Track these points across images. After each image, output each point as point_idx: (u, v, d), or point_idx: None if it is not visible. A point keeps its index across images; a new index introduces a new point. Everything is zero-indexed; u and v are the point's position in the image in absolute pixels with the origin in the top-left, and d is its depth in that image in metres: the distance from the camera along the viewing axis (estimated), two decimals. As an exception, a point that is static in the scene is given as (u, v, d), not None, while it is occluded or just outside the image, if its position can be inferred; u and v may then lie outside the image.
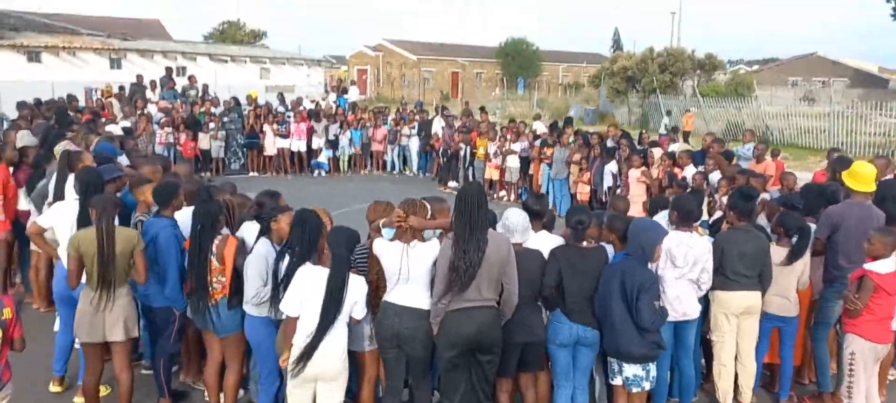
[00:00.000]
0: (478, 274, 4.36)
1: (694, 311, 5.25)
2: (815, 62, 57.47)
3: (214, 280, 4.95)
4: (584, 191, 12.52)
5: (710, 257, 5.32)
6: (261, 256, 4.79)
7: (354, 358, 4.87)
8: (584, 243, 4.95)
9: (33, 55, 24.53)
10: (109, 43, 26.15)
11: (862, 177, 5.86)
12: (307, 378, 4.24)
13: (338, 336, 4.27)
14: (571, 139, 13.41)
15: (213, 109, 17.56)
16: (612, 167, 11.98)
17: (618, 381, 4.86)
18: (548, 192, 13.69)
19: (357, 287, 4.33)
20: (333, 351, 4.26)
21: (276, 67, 30.11)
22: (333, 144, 17.86)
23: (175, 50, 27.64)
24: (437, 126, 17.58)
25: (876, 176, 6.03)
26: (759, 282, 5.49)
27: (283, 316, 4.39)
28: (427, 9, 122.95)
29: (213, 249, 4.94)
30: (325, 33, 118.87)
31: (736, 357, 5.61)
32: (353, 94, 21.59)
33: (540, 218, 5.21)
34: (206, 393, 5.50)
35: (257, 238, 4.96)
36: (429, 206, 4.69)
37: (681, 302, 5.17)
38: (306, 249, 4.37)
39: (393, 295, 4.56)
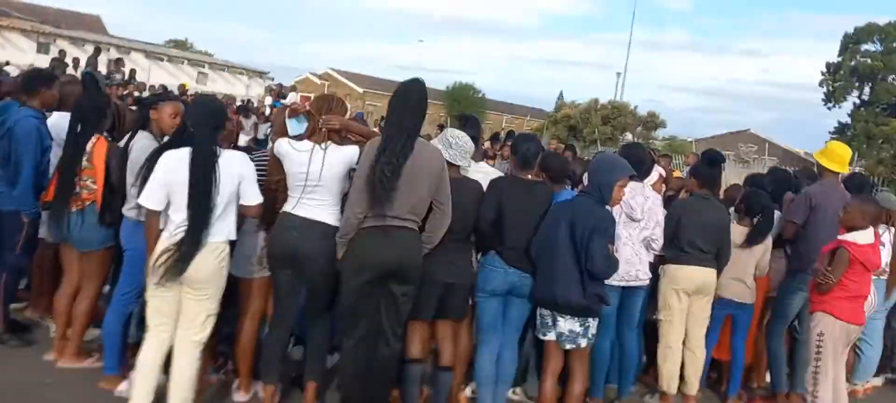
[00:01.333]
0: (402, 185, 3.61)
1: (645, 275, 4.59)
2: (748, 138, 59.23)
3: (81, 184, 4.07)
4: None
5: (662, 216, 4.70)
6: (138, 150, 3.95)
7: (237, 287, 4.02)
8: (529, 176, 4.26)
9: (-51, 30, 22.93)
10: (40, 27, 24.67)
11: (836, 156, 5.32)
12: (171, 280, 3.37)
13: (214, 231, 3.42)
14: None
15: (136, 94, 16.40)
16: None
17: (550, 336, 4.10)
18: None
19: (236, 163, 3.53)
20: (206, 252, 3.40)
21: (215, 73, 28.96)
22: (262, 144, 16.86)
23: (109, 42, 26.26)
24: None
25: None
26: (715, 260, 4.89)
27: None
28: (377, 46, 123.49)
29: (87, 148, 4.09)
30: (271, 63, 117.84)
31: (683, 343, 4.96)
32: (292, 100, 20.71)
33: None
34: (51, 328, 4.51)
35: (135, 130, 4.13)
36: (349, 106, 3.95)
37: (632, 265, 4.49)
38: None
39: (294, 205, 3.75)
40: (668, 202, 5.25)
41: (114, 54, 25.19)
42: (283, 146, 3.79)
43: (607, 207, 4.01)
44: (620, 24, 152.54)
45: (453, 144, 4.00)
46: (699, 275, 4.81)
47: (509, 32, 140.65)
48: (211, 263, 3.44)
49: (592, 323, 4.02)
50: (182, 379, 3.49)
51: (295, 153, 3.72)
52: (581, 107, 34.51)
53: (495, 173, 4.41)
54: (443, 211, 3.78)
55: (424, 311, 4.00)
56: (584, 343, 4.01)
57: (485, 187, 4.12)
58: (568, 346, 4.01)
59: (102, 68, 18.23)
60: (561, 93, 76.71)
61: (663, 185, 6.60)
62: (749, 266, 5.05)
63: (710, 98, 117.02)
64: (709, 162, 4.98)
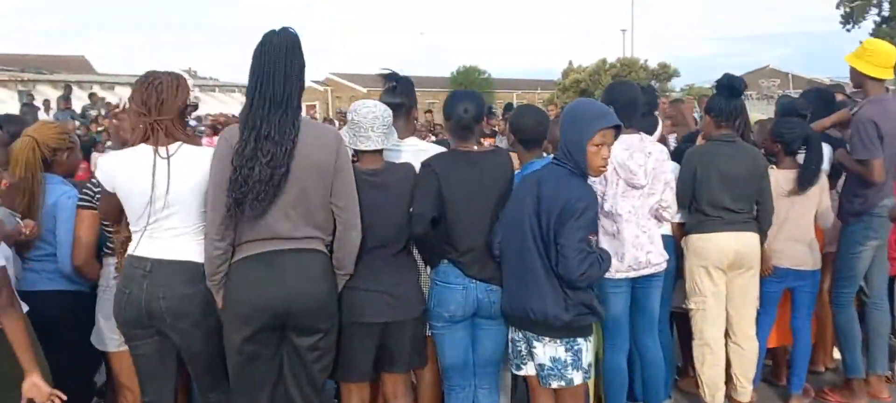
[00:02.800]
0: (283, 189, 2.47)
1: (660, 258, 3.36)
2: (769, 75, 57.19)
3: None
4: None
5: (672, 172, 3.51)
6: None
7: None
8: (476, 147, 3.08)
9: (-77, 93, 22.23)
10: (18, 76, 23.87)
11: (881, 56, 3.91)
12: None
13: None
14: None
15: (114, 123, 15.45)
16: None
17: (528, 371, 2.92)
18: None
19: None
20: None
21: (205, 95, 27.96)
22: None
23: (92, 80, 25.45)
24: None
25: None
26: (754, 221, 3.69)
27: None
28: (375, 43, 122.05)
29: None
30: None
31: (726, 334, 3.76)
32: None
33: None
34: None
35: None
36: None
37: (639, 248, 3.29)
38: None
39: (138, 244, 2.62)
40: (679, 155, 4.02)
41: (98, 91, 24.38)
42: (104, 162, 2.66)
43: (588, 180, 2.80)
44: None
45: (357, 120, 2.84)
46: (733, 244, 3.62)
47: (513, 9, 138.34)
48: None
49: (584, 346, 2.78)
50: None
51: (125, 167, 2.60)
52: (589, 68, 32.99)
53: (435, 149, 3.23)
54: (345, 220, 2.63)
55: (357, 368, 2.84)
56: (576, 377, 2.77)
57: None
58: (554, 384, 2.80)
59: (79, 106, 17.33)
60: (570, 62, 75.20)
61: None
62: (806, 219, 3.84)
63: (723, 43, 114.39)
64: (728, 90, 3.72)
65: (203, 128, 15.80)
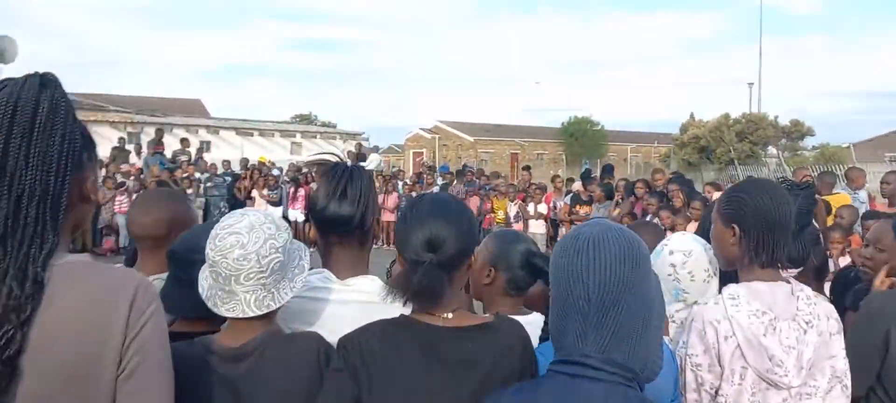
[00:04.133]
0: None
1: None
2: (917, 136, 51.97)
3: None
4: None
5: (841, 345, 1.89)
6: None
7: None
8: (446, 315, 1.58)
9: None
10: (130, 118, 24.50)
11: None
12: None
13: None
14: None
15: (197, 174, 14.98)
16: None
17: None
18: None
19: None
20: None
21: (308, 141, 27.85)
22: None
23: (198, 124, 25.81)
24: (456, 189, 14.48)
25: None
26: None
27: None
28: (484, 92, 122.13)
29: None
30: (393, 125, 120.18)
31: None
32: (374, 162, 18.80)
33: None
34: None
35: None
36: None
37: None
38: None
39: None
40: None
41: (204, 135, 24.67)
42: None
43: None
44: (747, 37, 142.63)
45: (212, 258, 1.52)
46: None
47: (628, 63, 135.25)
48: None
49: None
50: None
51: None
52: (710, 124, 30.52)
53: (376, 310, 1.76)
54: None
55: None
56: None
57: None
58: None
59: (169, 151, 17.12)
60: (692, 116, 71.57)
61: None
62: None
63: (860, 100, 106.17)
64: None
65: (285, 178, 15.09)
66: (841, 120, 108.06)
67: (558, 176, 12.04)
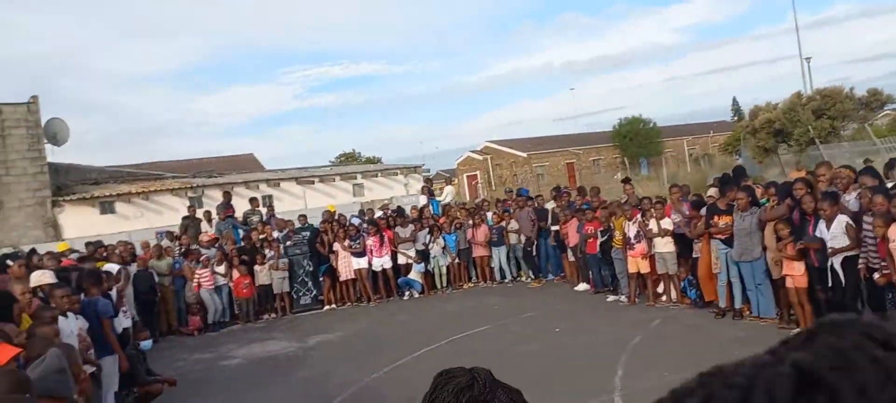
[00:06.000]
0: None
1: None
2: None
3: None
4: (798, 273, 7.79)
5: None
6: None
7: None
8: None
9: (107, 206, 22.62)
10: (188, 182, 24.04)
11: None
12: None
13: None
14: (764, 199, 8.76)
15: (275, 234, 14.21)
16: (839, 223, 7.17)
17: None
18: (731, 285, 9.07)
19: None
20: None
21: (368, 181, 27.04)
22: (425, 256, 13.97)
23: (258, 179, 25.21)
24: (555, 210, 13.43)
25: None
26: None
27: None
28: (529, 106, 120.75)
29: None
30: (436, 153, 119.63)
31: None
32: (449, 195, 17.81)
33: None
34: None
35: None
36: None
37: None
38: None
39: None
40: None
41: (265, 190, 24.05)
42: None
43: None
44: (775, 15, 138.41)
45: None
46: None
47: (659, 56, 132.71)
48: None
49: None
50: None
51: None
52: (782, 106, 28.85)
53: None
54: None
55: None
56: None
57: None
58: None
59: (241, 212, 16.42)
60: (734, 100, 69.05)
61: None
62: None
63: None
64: None
65: (365, 224, 14.21)
66: (889, 82, 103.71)
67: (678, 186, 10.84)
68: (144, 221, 22.56)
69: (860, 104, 28.70)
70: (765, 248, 8.44)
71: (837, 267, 7.18)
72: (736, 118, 58.39)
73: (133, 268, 11.32)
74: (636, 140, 50.28)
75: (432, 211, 15.42)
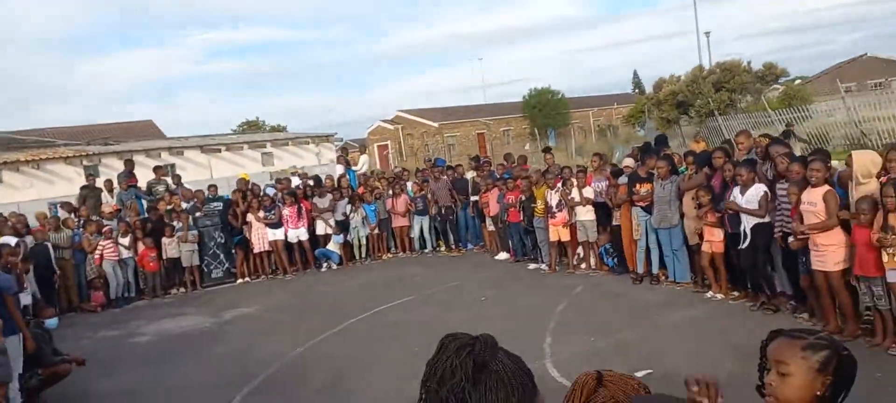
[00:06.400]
0: None
1: None
2: (868, 63, 52.66)
3: None
4: (717, 239, 8.03)
5: None
6: None
7: None
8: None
9: (-10, 175, 21.09)
10: (83, 150, 22.63)
11: None
12: None
13: None
14: (683, 167, 8.97)
15: (183, 205, 13.52)
16: (757, 191, 7.37)
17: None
18: (648, 251, 9.28)
19: None
20: None
21: (279, 150, 26.18)
22: (344, 227, 13.66)
23: (159, 147, 23.99)
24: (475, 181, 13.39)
25: None
26: None
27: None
28: (437, 76, 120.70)
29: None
30: (343, 122, 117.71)
31: None
32: (365, 165, 17.48)
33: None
34: None
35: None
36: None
37: None
38: None
39: None
40: None
41: (167, 158, 22.94)
42: None
43: None
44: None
45: None
46: None
47: (563, 28, 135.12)
48: None
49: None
50: None
51: None
52: (685, 79, 29.93)
53: None
54: None
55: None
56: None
57: None
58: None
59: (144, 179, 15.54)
60: (635, 73, 71.53)
61: None
62: None
63: (793, 35, 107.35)
64: None
65: (279, 194, 13.74)
66: (777, 58, 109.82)
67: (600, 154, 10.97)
68: (35, 192, 21.14)
69: (757, 77, 30.09)
70: (682, 216, 8.66)
71: (748, 231, 7.42)
72: (636, 91, 60.10)
73: (29, 241, 10.50)
74: (545, 111, 51.09)
75: (349, 182, 15.08)
